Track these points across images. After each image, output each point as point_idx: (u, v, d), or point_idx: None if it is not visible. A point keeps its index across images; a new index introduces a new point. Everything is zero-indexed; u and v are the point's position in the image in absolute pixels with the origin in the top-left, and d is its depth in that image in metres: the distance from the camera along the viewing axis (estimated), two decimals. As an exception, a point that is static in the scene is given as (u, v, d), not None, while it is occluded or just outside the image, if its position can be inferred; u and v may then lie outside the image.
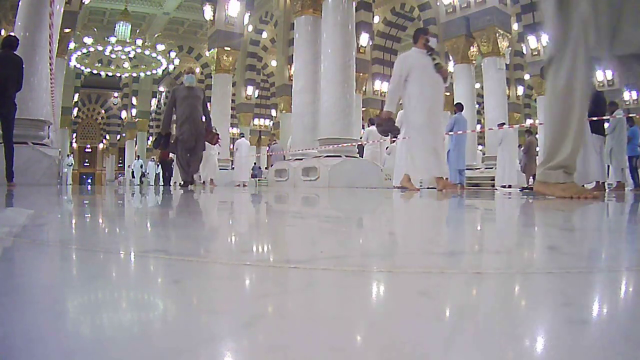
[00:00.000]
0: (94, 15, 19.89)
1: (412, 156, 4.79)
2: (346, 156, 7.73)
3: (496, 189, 8.81)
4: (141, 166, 19.70)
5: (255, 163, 16.71)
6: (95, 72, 19.09)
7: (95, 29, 17.78)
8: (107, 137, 30.69)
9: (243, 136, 14.53)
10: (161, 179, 12.11)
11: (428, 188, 7.07)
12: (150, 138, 24.32)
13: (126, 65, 19.35)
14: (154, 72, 19.90)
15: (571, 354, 0.30)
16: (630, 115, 9.30)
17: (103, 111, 31.73)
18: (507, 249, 0.82)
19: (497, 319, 0.39)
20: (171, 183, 12.15)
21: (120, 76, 21.63)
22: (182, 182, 6.55)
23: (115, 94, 29.14)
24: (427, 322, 0.38)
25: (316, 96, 8.37)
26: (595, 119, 5.37)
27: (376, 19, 16.51)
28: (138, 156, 21.59)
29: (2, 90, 4.94)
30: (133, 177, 21.68)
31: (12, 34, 5.91)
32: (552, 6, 2.41)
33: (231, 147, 14.80)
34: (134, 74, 20.73)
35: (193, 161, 6.49)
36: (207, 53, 15.06)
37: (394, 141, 10.04)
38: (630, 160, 7.65)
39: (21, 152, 5.57)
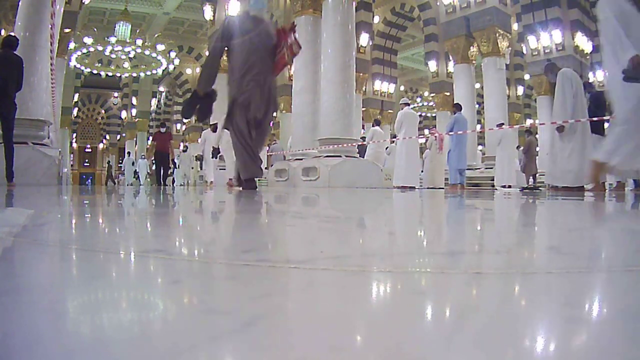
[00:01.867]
0: (94, 15, 19.86)
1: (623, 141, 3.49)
2: (346, 156, 7.72)
3: (496, 189, 8.81)
4: (132, 164, 19.19)
5: (255, 163, 16.56)
6: (95, 72, 19.05)
7: (95, 29, 17.75)
8: (107, 137, 30.67)
9: (243, 136, 14.49)
10: (156, 177, 11.61)
11: (431, 188, 7.05)
12: (150, 138, 24.12)
13: (126, 65, 19.32)
14: (154, 72, 19.87)
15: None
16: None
17: (103, 111, 31.67)
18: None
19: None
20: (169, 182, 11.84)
21: (120, 76, 21.58)
22: (241, 181, 4.24)
23: (115, 94, 29.09)
24: (427, 322, 0.38)
25: (316, 96, 8.36)
26: (595, 119, 5.37)
27: (376, 19, 16.49)
28: (129, 152, 21.12)
29: (2, 90, 4.93)
30: (114, 179, 20.90)
31: (12, 34, 5.90)
32: None
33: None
34: (134, 74, 20.69)
35: (258, 141, 4.29)
36: (207, 53, 15.03)
37: (393, 141, 10.02)
38: (630, 160, 7.63)
39: (21, 152, 5.56)
